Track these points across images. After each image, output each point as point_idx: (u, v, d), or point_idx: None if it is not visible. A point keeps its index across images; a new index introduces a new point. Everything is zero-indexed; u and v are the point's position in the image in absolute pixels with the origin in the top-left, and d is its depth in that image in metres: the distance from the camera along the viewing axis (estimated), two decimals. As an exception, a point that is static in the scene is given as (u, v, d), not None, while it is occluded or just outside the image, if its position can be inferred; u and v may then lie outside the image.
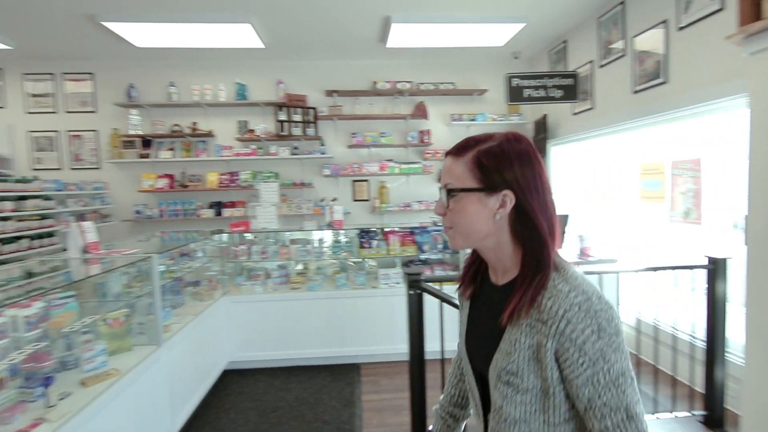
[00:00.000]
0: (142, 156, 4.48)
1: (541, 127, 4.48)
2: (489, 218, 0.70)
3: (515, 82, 3.68)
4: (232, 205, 4.58)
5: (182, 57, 4.43)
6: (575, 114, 3.99)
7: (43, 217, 3.46)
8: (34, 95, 4.52)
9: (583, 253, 3.18)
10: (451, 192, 0.71)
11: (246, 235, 3.48)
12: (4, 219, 3.08)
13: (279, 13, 3.44)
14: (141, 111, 4.50)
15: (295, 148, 4.64)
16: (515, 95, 3.70)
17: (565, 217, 3.16)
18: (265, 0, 3.20)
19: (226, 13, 3.38)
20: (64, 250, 3.80)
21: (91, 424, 1.61)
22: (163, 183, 4.45)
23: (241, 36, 3.78)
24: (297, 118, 4.63)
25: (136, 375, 1.93)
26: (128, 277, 2.39)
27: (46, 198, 3.52)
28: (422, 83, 4.71)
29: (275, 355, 3.18)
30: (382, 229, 3.44)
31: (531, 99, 3.73)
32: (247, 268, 3.47)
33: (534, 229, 0.69)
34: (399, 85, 4.65)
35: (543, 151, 4.42)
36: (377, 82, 4.66)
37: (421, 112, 4.73)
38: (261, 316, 3.15)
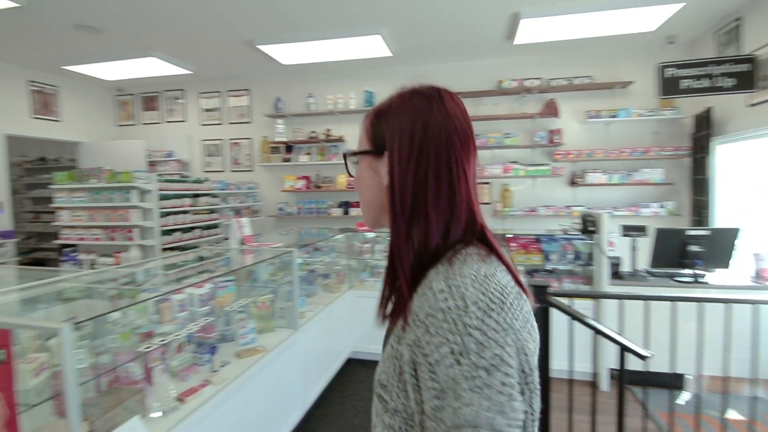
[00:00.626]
0: (285, 160, 5.07)
1: (704, 123, 3.80)
2: (381, 188, 0.59)
3: (669, 72, 3.20)
4: (358, 205, 4.89)
5: (319, 70, 4.90)
6: (752, 105, 3.29)
7: (211, 211, 4.17)
8: (206, 110, 5.46)
9: (759, 275, 2.62)
10: (347, 156, 0.62)
11: (369, 234, 3.70)
12: (185, 212, 3.79)
13: (407, 22, 3.57)
14: (285, 120, 5.10)
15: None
16: (669, 87, 3.21)
17: (735, 231, 2.63)
18: (393, 12, 3.35)
19: (359, 27, 3.64)
20: (226, 239, 4.53)
21: (243, 391, 1.90)
22: (301, 184, 4.97)
23: (371, 47, 4.02)
24: (420, 121, 4.74)
25: (278, 353, 2.21)
26: (273, 266, 2.73)
27: (214, 196, 4.23)
28: (553, 79, 4.40)
29: (393, 351, 3.31)
30: (504, 234, 3.32)
31: (691, 91, 3.20)
32: (370, 265, 3.67)
33: (393, 204, 0.56)
34: (527, 83, 4.42)
35: (705, 150, 3.75)
36: (503, 81, 4.50)
37: (551, 110, 4.42)
38: (381, 312, 3.30)
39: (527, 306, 0.52)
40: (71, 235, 3.46)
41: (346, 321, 3.27)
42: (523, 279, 0.56)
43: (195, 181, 3.98)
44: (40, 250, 6.19)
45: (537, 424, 0.52)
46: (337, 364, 3.12)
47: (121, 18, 3.40)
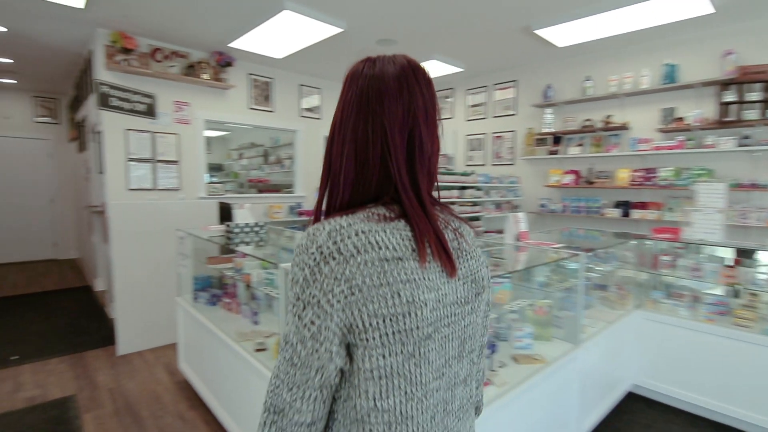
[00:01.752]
0: (551, 152, 4.66)
1: None
2: None
3: None
4: (643, 206, 4.02)
5: (600, 49, 4.24)
6: None
7: (474, 203, 4.23)
8: (472, 106, 5.60)
9: None
10: None
11: (667, 244, 2.93)
12: (452, 203, 3.96)
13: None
14: (554, 109, 4.68)
15: (746, 137, 3.50)
16: None
17: None
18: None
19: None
20: (486, 232, 4.56)
21: (522, 400, 1.74)
22: (568, 179, 4.48)
23: (682, 6, 3.14)
24: (753, 97, 3.47)
25: (558, 368, 1.95)
26: (547, 268, 2.48)
27: (478, 188, 4.28)
28: None
29: (698, 400, 2.52)
30: None
31: None
32: (665, 282, 2.92)
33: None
34: None
35: None
36: None
37: None
38: (683, 346, 2.56)
39: (401, 267, 0.54)
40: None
41: (631, 346, 2.69)
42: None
43: (462, 174, 4.11)
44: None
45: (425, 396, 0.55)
46: (616, 395, 2.60)
47: (412, 27, 3.77)
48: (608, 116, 4.27)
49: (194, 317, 2.67)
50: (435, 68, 4.88)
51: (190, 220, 3.67)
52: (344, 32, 3.84)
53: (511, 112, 5.17)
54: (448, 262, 0.58)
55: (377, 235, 0.54)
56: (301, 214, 5.27)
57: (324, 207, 0.63)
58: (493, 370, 1.82)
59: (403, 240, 0.55)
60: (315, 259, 0.53)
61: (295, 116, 5.41)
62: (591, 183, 4.35)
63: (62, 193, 7.10)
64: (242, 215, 2.79)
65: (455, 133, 5.75)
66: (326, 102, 5.71)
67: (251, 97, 4.98)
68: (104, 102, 3.52)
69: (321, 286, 0.52)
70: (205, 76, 4.43)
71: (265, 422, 0.55)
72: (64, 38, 4.21)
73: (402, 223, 0.57)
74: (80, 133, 5.76)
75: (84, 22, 3.78)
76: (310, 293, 0.53)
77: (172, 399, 2.69)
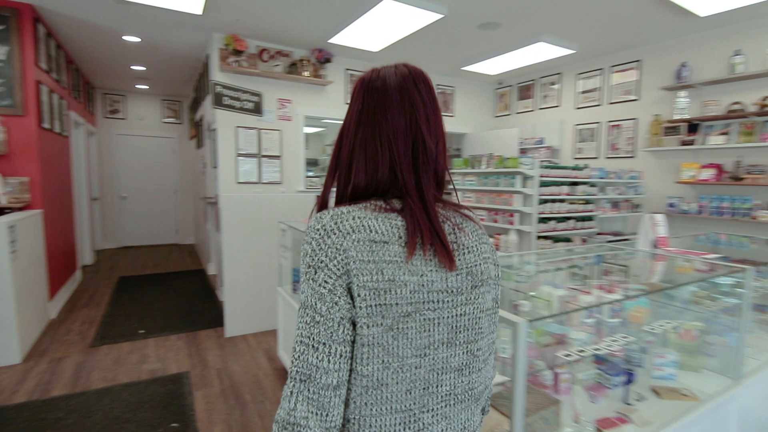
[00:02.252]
0: (685, 143, 3.97)
1: None
2: None
3: None
4: (815, 208, 3.22)
5: (757, 15, 3.46)
6: None
7: (587, 201, 3.76)
8: (583, 92, 5.02)
9: None
10: None
11: None
12: (561, 201, 3.56)
13: None
14: (690, 92, 3.97)
15: None
16: None
17: None
18: None
19: None
20: (598, 234, 4.05)
21: (668, 445, 1.42)
22: (707, 174, 3.77)
23: None
24: None
25: (713, 408, 1.58)
26: (696, 283, 2.04)
27: (592, 185, 3.80)
28: None
29: None
30: None
31: None
32: None
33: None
34: None
35: None
36: None
37: None
38: None
39: (385, 251, 0.60)
40: (461, 214, 3.92)
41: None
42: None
43: (574, 168, 3.67)
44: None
45: (399, 374, 0.60)
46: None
47: (518, 6, 3.43)
48: (765, 98, 3.49)
49: (293, 308, 2.72)
50: (541, 52, 4.44)
51: (291, 212, 3.79)
52: (444, 18, 3.64)
53: (632, 98, 4.52)
54: (444, 254, 0.63)
55: (369, 221, 0.62)
56: (393, 208, 5.21)
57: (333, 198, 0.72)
58: (629, 404, 1.52)
59: (391, 228, 0.62)
60: (320, 234, 0.62)
61: (390, 110, 5.34)
62: (739, 179, 3.61)
63: (183, 185, 7.96)
64: (341, 210, 2.77)
65: (562, 123, 5.22)
66: (421, 94, 5.55)
67: (348, 92, 5.02)
68: (218, 101, 3.77)
69: (326, 253, 0.60)
70: (305, 74, 4.56)
71: (291, 393, 0.58)
72: (186, 45, 4.62)
73: (394, 215, 0.64)
74: (198, 132, 6.36)
75: (202, 28, 4.09)
76: (319, 259, 0.61)
77: (272, 385, 2.78)
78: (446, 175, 0.72)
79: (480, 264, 0.68)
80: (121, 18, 3.87)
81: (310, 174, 5.66)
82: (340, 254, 0.60)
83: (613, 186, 4.10)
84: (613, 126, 4.71)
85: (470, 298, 0.66)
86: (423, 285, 0.61)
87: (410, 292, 0.60)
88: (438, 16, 3.58)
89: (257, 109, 4.08)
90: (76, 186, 5.54)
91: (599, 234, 3.98)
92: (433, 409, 0.63)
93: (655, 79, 4.30)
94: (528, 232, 3.41)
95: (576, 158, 5.05)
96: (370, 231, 0.61)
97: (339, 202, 0.70)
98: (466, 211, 0.74)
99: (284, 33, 4.20)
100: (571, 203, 3.65)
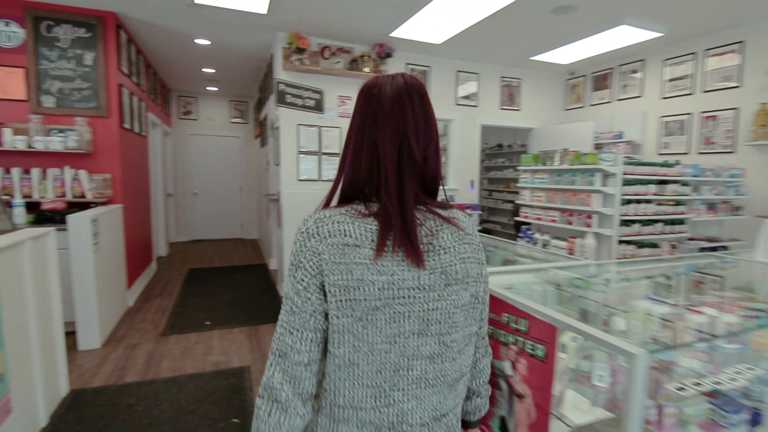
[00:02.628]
0: (803, 135, 3.39)
1: None
2: None
3: None
4: None
5: None
6: None
7: (677, 203, 3.33)
8: (671, 80, 4.49)
9: None
10: None
11: None
12: (647, 201, 3.17)
13: None
14: (811, 75, 3.38)
15: None
16: None
17: None
18: None
19: None
20: (690, 239, 3.58)
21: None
22: (834, 171, 3.18)
23: None
24: None
25: None
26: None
27: (684, 184, 3.36)
28: None
29: None
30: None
31: None
32: None
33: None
34: None
35: None
36: None
37: None
38: None
39: (356, 254, 0.68)
40: (529, 214, 3.63)
41: None
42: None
43: (663, 165, 3.26)
44: (489, 222, 7.37)
45: (370, 356, 0.69)
46: None
47: (604, -16, 3.10)
48: None
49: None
50: (622, 37, 4.02)
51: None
52: (514, 3, 3.38)
53: (733, 84, 3.95)
54: (412, 254, 0.69)
55: (346, 225, 0.70)
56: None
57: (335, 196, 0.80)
58: (754, 450, 1.25)
59: (365, 232, 0.69)
60: (303, 237, 0.71)
61: (451, 104, 5.14)
62: None
63: (248, 182, 8.29)
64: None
65: (644, 115, 4.72)
66: (484, 88, 5.29)
67: (408, 87, 4.89)
68: (281, 99, 3.80)
69: (305, 255, 0.70)
70: (366, 70, 4.49)
71: (271, 364, 0.70)
72: (252, 45, 4.73)
73: (371, 219, 0.71)
74: (262, 131, 6.55)
75: (267, 28, 4.15)
76: (299, 259, 0.70)
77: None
78: (438, 181, 0.78)
79: (456, 264, 0.73)
80: (193, 22, 4.03)
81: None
82: (315, 257, 0.69)
83: (709, 185, 3.60)
84: (707, 117, 4.16)
85: (443, 295, 0.71)
86: (393, 283, 0.68)
87: (378, 290, 0.67)
88: (508, 1, 3.34)
89: (318, 107, 4.08)
90: (153, 183, 5.92)
91: (691, 239, 3.51)
92: (403, 389, 0.70)
93: (761, 63, 3.72)
94: (608, 236, 3.07)
95: (661, 154, 4.54)
96: (345, 235, 0.69)
97: (339, 201, 0.77)
98: (454, 213, 0.78)
99: (345, 29, 4.15)
100: (659, 204, 3.24)
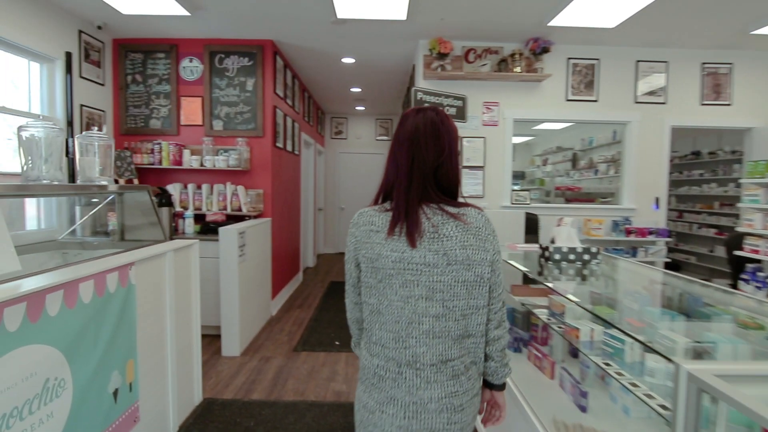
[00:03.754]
0: None
1: None
2: None
3: None
4: None
5: None
6: None
7: None
8: None
9: None
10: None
11: None
12: None
13: None
14: None
15: None
16: None
17: None
18: None
19: None
20: None
21: None
22: None
23: None
24: None
25: None
26: None
27: None
28: None
29: None
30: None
31: None
32: None
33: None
34: None
35: None
36: None
37: None
38: None
39: (375, 236, 0.98)
40: (761, 248, 2.51)
41: None
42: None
43: None
44: (678, 252, 5.79)
45: (390, 309, 0.98)
46: None
47: None
48: None
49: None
50: None
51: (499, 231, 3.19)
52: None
53: None
54: (409, 239, 0.94)
55: (373, 217, 1.00)
56: (629, 232, 3.97)
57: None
58: None
59: (383, 222, 0.98)
60: (352, 226, 1.04)
61: (628, 103, 4.13)
62: None
63: (390, 198, 8.35)
64: (563, 234, 2.00)
65: None
66: (676, 79, 4.13)
67: (569, 86, 4.10)
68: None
69: (350, 239, 1.04)
70: (517, 70, 3.91)
71: (346, 297, 1.15)
72: (394, 57, 4.61)
73: (389, 213, 0.99)
74: (403, 146, 6.44)
75: (408, 36, 3.95)
76: (349, 241, 1.05)
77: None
78: (453, 184, 1.03)
79: (456, 249, 0.94)
80: (338, 39, 4.08)
81: (516, 188, 4.93)
82: (353, 239, 1.03)
83: None
84: None
85: (445, 271, 0.94)
86: (403, 259, 0.94)
87: (392, 262, 0.95)
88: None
89: (460, 115, 3.66)
90: (304, 198, 6.32)
91: None
92: (416, 338, 0.95)
93: None
94: None
95: None
96: (371, 224, 1.00)
97: (381, 200, 1.06)
98: (464, 211, 1.00)
99: (493, 26, 3.66)
100: None
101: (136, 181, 3.85)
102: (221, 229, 3.26)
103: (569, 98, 4.10)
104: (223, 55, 4.17)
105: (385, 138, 8.30)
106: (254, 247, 3.75)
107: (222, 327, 3.30)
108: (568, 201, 5.72)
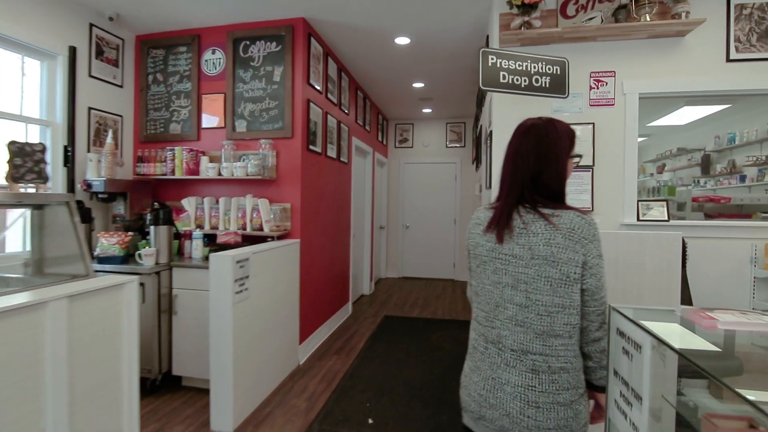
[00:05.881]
0: None
1: None
2: None
3: None
4: None
5: None
6: None
7: None
8: None
9: None
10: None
11: None
12: None
13: None
14: None
15: None
16: None
17: None
18: None
19: None
20: None
21: None
22: None
23: None
24: None
25: None
26: None
27: None
28: None
29: None
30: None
31: None
32: None
33: None
34: None
35: None
36: None
37: None
38: None
39: (478, 228, 1.14)
40: None
41: None
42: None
43: None
44: None
45: (483, 291, 1.12)
46: None
47: None
48: None
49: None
50: None
51: (612, 256, 1.90)
52: None
53: None
54: (497, 235, 1.07)
55: (481, 214, 1.16)
56: None
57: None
58: None
59: (486, 217, 1.13)
60: (470, 222, 1.19)
61: None
62: None
63: (463, 214, 7.10)
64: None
65: None
66: None
67: (732, 38, 2.66)
68: (489, 78, 2.36)
69: (467, 234, 1.19)
70: (645, 19, 2.58)
71: (468, 281, 1.25)
72: (460, 32, 3.47)
73: (491, 209, 1.13)
74: (477, 151, 5.25)
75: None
76: (466, 235, 1.20)
77: None
78: (552, 189, 1.09)
79: (540, 245, 1.01)
80: (387, 10, 3.11)
81: (645, 198, 3.48)
82: (468, 232, 1.18)
83: None
84: None
85: (529, 264, 1.02)
86: (495, 249, 1.07)
87: (486, 251, 1.09)
88: None
89: (558, 88, 2.43)
90: (357, 215, 5.38)
91: None
92: (501, 321, 1.06)
93: None
94: None
95: None
96: (478, 219, 1.16)
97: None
98: (558, 213, 1.04)
99: (608, -49, 2.42)
100: None
101: (48, 188, 3.14)
102: (211, 256, 2.39)
103: (732, 58, 2.65)
104: (248, 42, 3.43)
105: (457, 145, 7.14)
106: (267, 278, 2.84)
107: (211, 391, 2.40)
108: (708, 215, 4.08)
